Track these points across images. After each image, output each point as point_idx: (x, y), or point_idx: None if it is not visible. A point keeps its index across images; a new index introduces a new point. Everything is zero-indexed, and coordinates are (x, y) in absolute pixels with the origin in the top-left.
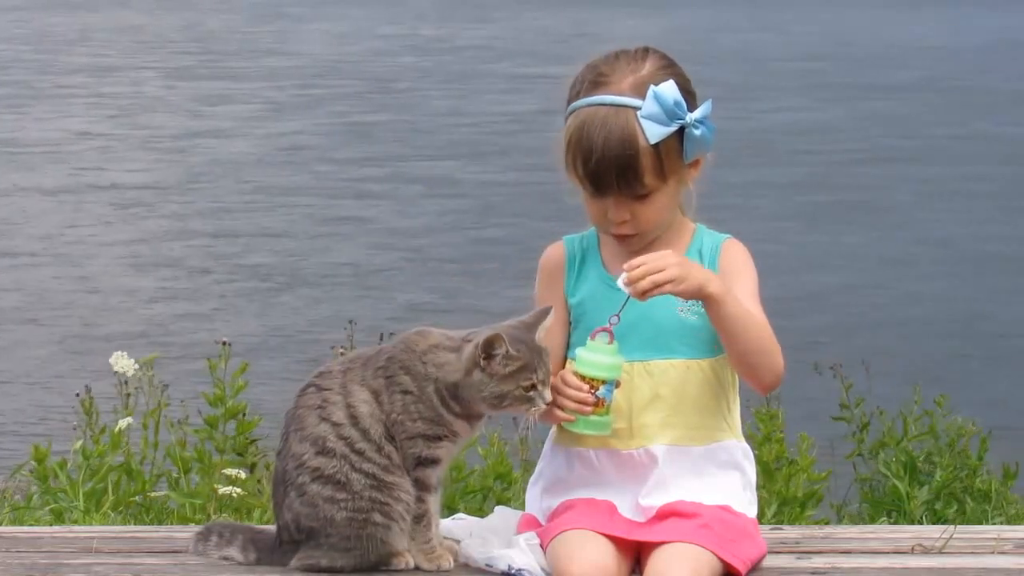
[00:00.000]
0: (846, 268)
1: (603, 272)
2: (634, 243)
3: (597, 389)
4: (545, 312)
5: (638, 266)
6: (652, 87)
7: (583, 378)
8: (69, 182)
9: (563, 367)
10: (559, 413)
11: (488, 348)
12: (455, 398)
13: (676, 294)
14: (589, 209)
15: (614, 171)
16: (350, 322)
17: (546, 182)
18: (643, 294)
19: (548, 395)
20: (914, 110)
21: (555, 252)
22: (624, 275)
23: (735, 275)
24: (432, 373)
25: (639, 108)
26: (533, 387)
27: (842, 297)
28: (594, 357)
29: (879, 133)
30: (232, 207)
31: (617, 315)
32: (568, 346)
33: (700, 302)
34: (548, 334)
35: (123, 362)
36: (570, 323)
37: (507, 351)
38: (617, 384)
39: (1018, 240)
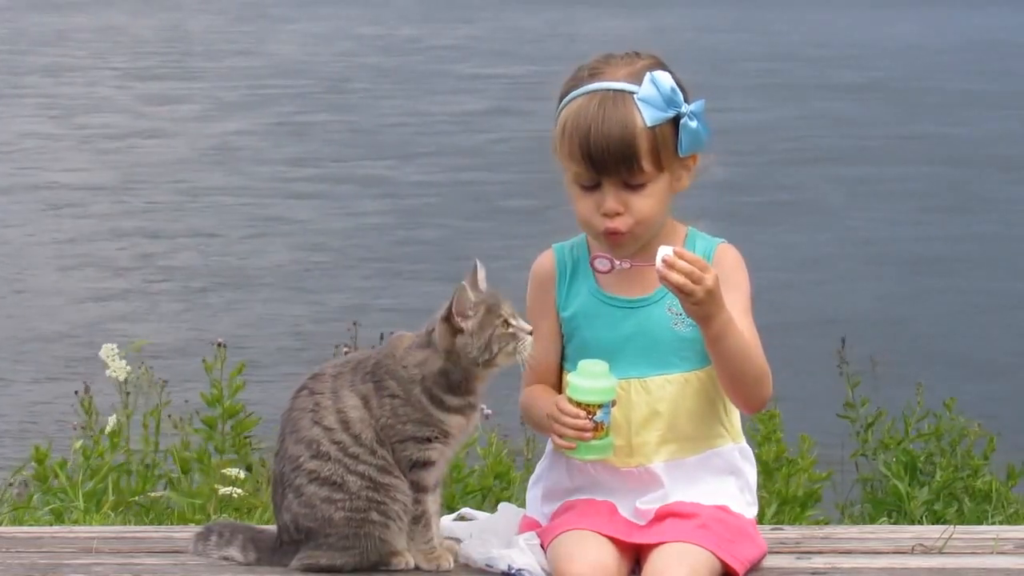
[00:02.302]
0: (767, 268)
1: (594, 286)
2: (625, 245)
3: (594, 414)
4: (473, 268)
5: (686, 261)
6: (650, 73)
7: (579, 404)
8: (5, 182)
9: (559, 379)
10: (559, 441)
11: (459, 305)
12: (450, 387)
13: (683, 307)
14: (579, 207)
15: (612, 151)
16: (354, 323)
17: (477, 182)
18: (662, 278)
19: (526, 324)
20: (863, 110)
21: (545, 262)
22: (670, 254)
23: (728, 285)
24: (415, 375)
25: (636, 92)
26: (507, 322)
27: (763, 297)
28: (588, 383)
29: (820, 133)
30: (165, 207)
31: (631, 262)
32: (563, 358)
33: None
34: (542, 348)
35: (116, 364)
36: (563, 335)
37: (472, 299)
38: (613, 404)
39: (940, 241)
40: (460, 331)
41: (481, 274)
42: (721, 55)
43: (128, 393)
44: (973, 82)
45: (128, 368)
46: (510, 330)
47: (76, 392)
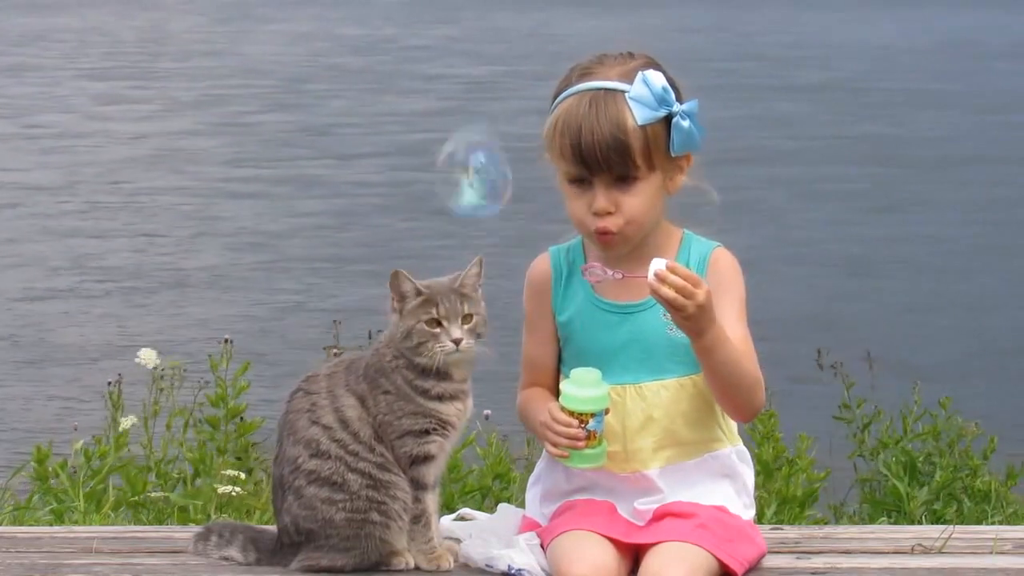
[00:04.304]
0: None
1: (590, 291)
2: (617, 246)
3: (587, 423)
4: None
5: (678, 276)
6: (641, 72)
7: (571, 414)
8: None
9: (557, 383)
10: (552, 450)
11: (393, 283)
12: (422, 370)
13: (674, 321)
14: (571, 206)
15: (603, 149)
16: (335, 322)
17: (418, 182)
18: (654, 292)
19: (456, 332)
20: (812, 110)
21: (541, 266)
22: (663, 268)
23: (723, 290)
24: (391, 363)
25: (627, 92)
26: (435, 322)
27: None
28: (580, 392)
29: (766, 134)
30: (105, 207)
31: (622, 273)
32: (561, 361)
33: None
34: (540, 351)
35: (147, 354)
36: (559, 339)
37: (412, 285)
38: (606, 411)
39: (874, 241)
40: (394, 309)
41: (473, 270)
42: (688, 55)
43: (161, 390)
44: (933, 82)
45: (158, 360)
46: (435, 329)
47: (109, 383)
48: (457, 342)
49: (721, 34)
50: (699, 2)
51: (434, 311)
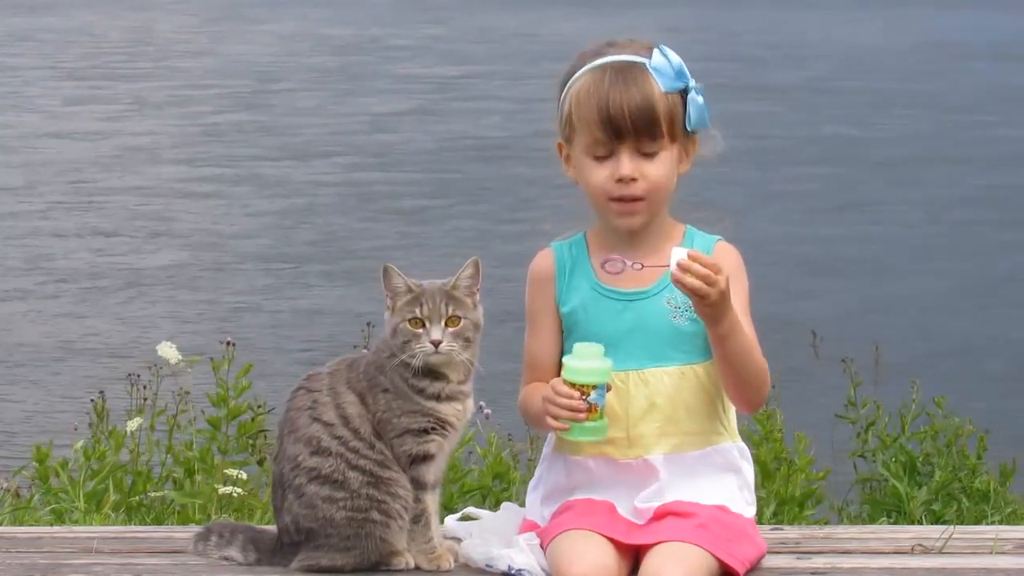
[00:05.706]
0: None
1: (594, 280)
2: (640, 213)
3: (588, 395)
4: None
5: (702, 264)
6: (659, 45)
7: (573, 386)
8: None
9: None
10: (553, 423)
11: (384, 279)
12: (415, 370)
13: (695, 309)
14: (592, 177)
15: (633, 115)
16: (368, 324)
17: (373, 182)
18: (677, 282)
19: (436, 334)
20: (778, 111)
21: (544, 260)
22: (685, 257)
23: (729, 283)
24: (388, 359)
25: (648, 62)
26: (419, 321)
27: None
28: (581, 364)
29: (725, 134)
30: (63, 208)
31: (642, 264)
32: (563, 354)
33: (693, 308)
34: (542, 347)
35: (168, 351)
36: (563, 331)
37: (403, 281)
38: (608, 388)
39: (823, 241)
40: (388, 307)
41: (467, 272)
42: None
43: (146, 387)
44: (906, 82)
45: (180, 357)
46: (418, 329)
47: (93, 398)
48: (436, 344)
49: (704, 33)
50: (691, 3)
51: (417, 310)
